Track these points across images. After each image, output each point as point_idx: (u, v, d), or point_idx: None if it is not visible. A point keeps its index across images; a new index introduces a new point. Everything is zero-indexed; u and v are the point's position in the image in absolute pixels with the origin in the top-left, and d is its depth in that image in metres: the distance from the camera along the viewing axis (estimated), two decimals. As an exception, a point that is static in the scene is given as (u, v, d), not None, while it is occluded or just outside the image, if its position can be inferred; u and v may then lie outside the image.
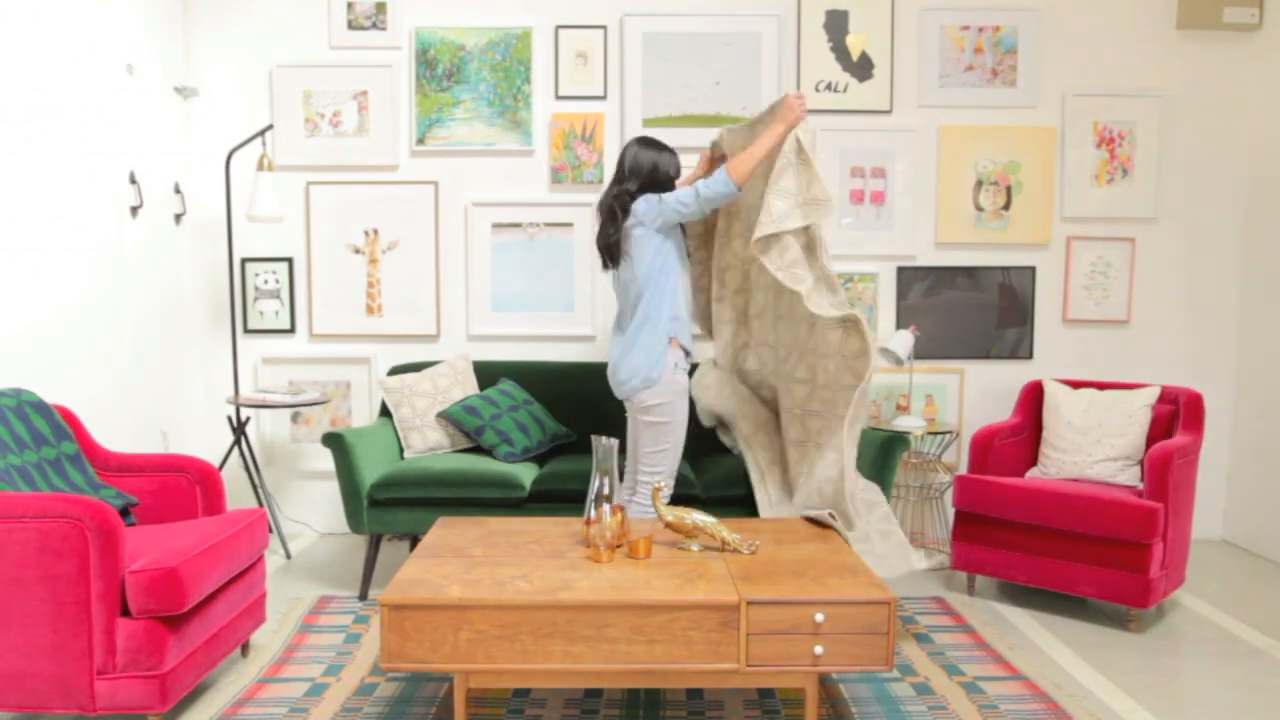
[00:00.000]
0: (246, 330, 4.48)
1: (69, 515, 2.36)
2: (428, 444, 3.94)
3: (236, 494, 4.38)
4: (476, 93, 4.39)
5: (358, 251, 4.45)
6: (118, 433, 3.73)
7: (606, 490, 2.67)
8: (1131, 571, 3.29)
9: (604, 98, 4.40)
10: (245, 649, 3.07)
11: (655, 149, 3.30)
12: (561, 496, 3.55)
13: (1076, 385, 3.96)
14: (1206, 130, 4.43)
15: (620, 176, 3.29)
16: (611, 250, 3.28)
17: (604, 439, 2.66)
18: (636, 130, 4.36)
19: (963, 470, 4.44)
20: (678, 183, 3.36)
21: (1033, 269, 4.46)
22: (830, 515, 3.07)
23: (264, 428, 4.51)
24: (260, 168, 4.11)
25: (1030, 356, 4.49)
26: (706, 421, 3.81)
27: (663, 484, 2.90)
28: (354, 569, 4.02)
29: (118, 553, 2.39)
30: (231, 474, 4.35)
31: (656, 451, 3.27)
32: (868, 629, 2.34)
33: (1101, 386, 3.91)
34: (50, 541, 2.36)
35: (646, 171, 3.26)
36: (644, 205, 3.20)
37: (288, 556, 4.18)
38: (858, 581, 2.46)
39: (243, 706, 2.70)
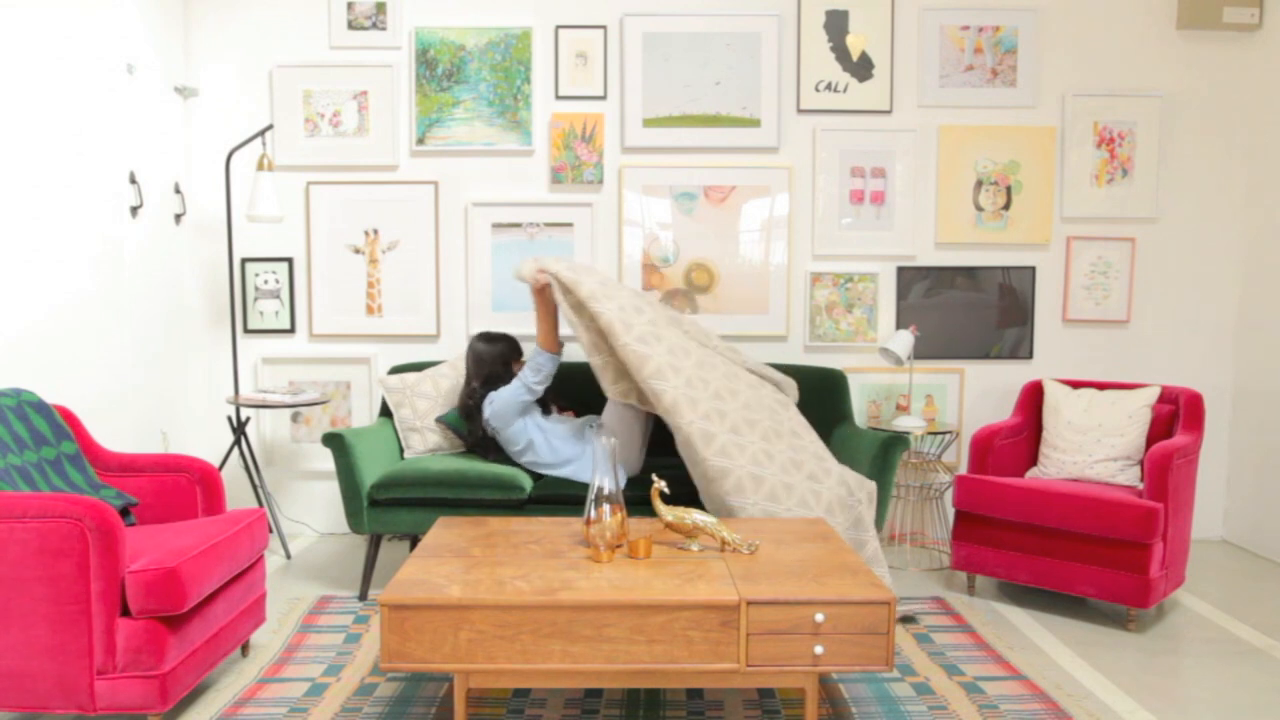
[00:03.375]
0: (246, 330, 4.48)
1: (69, 515, 2.36)
2: (428, 445, 3.94)
3: (236, 494, 4.38)
4: (476, 93, 4.39)
5: (358, 251, 4.45)
6: (118, 433, 3.73)
7: (607, 490, 2.67)
8: (1131, 571, 3.29)
9: (604, 98, 4.40)
10: (245, 649, 3.07)
11: (486, 342, 3.81)
12: (562, 499, 3.54)
13: (1076, 385, 3.96)
14: (1206, 130, 4.43)
15: (468, 375, 3.82)
16: (491, 443, 3.76)
17: (604, 439, 2.66)
18: (637, 130, 4.37)
19: (963, 470, 4.44)
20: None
21: (1033, 269, 4.46)
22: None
23: (264, 428, 4.51)
24: (260, 168, 4.11)
25: (1030, 356, 4.49)
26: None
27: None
28: (354, 569, 4.02)
29: (118, 553, 2.39)
30: (231, 474, 4.35)
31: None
32: (868, 629, 2.34)
33: (1101, 386, 3.91)
34: (50, 541, 2.36)
35: (474, 365, 3.77)
36: (489, 411, 3.65)
37: (288, 556, 4.18)
38: (858, 581, 2.46)
39: (243, 706, 2.70)
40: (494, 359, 3.79)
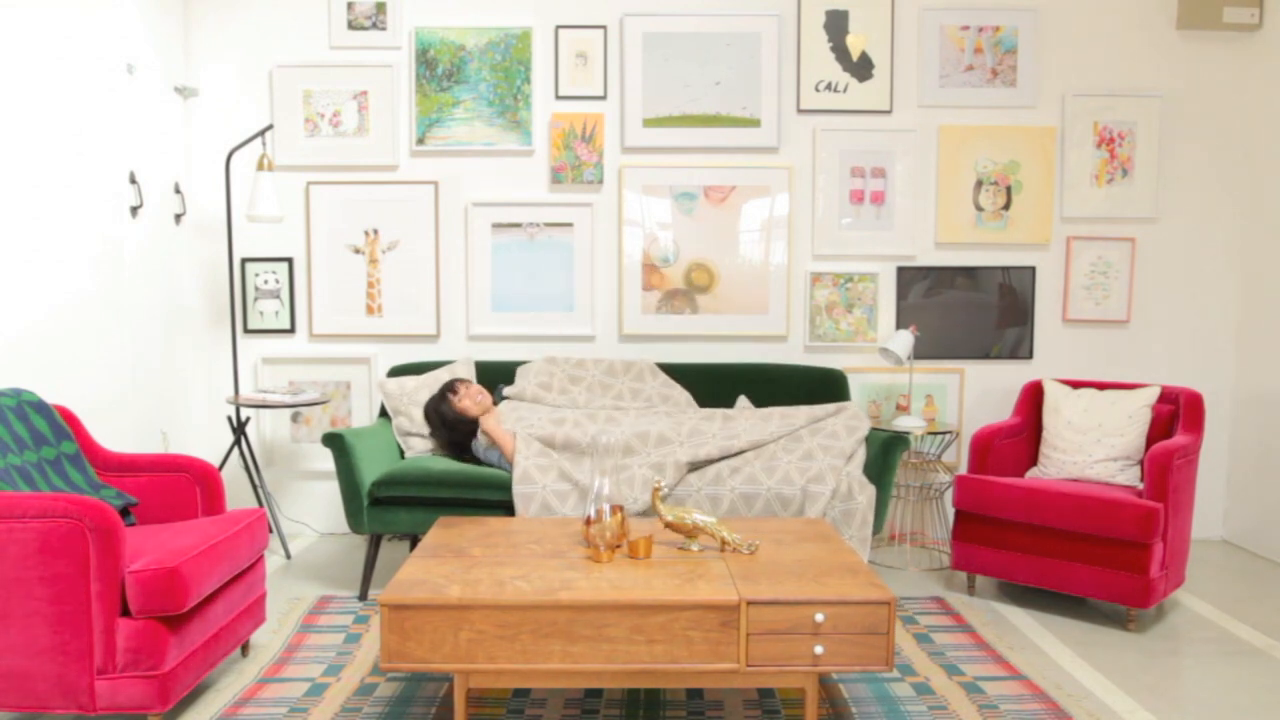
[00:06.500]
0: (246, 330, 4.48)
1: (69, 515, 2.36)
2: (428, 446, 3.94)
3: (236, 494, 4.38)
4: (476, 93, 4.39)
5: (358, 251, 4.45)
6: (118, 433, 3.73)
7: (606, 490, 2.67)
8: (1131, 571, 3.29)
9: (604, 98, 4.40)
10: (245, 649, 3.07)
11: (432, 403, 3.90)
12: (561, 496, 3.54)
13: (1076, 385, 3.96)
14: (1206, 130, 4.43)
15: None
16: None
17: (604, 439, 2.67)
18: (637, 130, 4.37)
19: (963, 470, 4.44)
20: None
21: (1033, 269, 4.46)
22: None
23: (264, 428, 4.51)
24: (260, 168, 4.11)
25: (1030, 356, 4.49)
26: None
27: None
28: (354, 569, 4.02)
29: (118, 553, 2.39)
30: (231, 474, 4.35)
31: None
32: (868, 629, 2.34)
33: (1101, 386, 3.91)
34: (50, 541, 2.36)
35: (438, 425, 3.86)
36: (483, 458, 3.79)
37: (288, 556, 4.17)
38: (858, 581, 2.46)
39: (243, 706, 2.70)
40: (443, 417, 3.86)
